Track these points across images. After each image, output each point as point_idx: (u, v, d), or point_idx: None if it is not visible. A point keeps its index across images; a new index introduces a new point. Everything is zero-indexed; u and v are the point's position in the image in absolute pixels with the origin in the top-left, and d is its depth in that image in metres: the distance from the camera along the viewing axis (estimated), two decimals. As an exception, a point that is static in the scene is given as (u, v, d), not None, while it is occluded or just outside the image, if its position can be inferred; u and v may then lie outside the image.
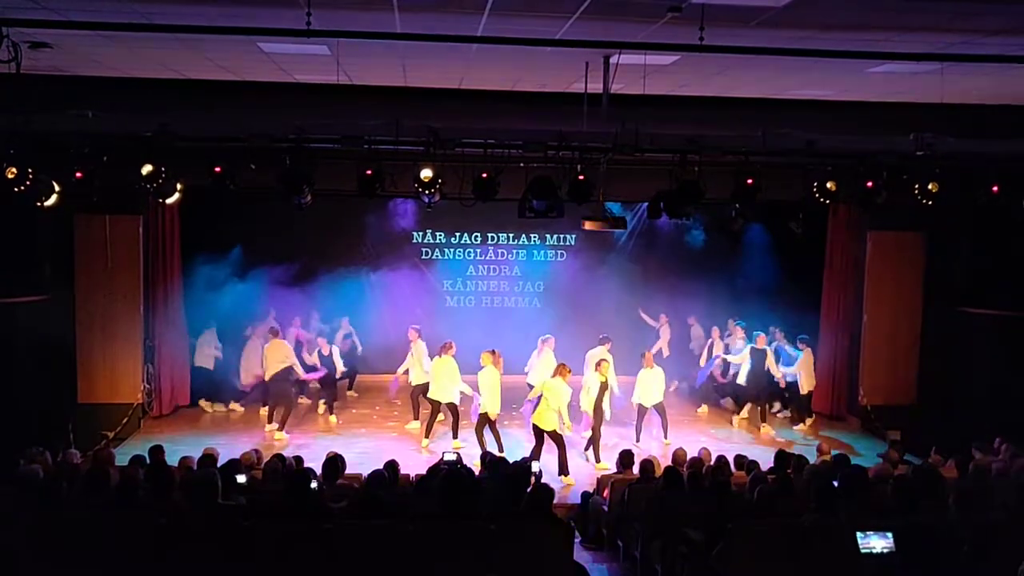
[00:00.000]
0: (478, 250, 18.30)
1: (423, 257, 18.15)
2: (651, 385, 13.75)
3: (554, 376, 12.40)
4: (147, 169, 8.91)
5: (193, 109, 9.41)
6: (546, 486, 7.74)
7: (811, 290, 16.04)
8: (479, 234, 18.16)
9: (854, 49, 8.09)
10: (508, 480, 8.26)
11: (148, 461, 9.79)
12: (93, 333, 14.33)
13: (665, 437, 13.73)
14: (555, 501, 11.14)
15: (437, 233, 18.08)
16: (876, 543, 6.66)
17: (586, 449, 13.16)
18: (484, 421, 12.92)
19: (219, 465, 9.48)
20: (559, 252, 18.30)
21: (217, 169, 9.05)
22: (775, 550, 7.06)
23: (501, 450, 12.67)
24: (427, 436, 13.62)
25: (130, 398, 14.49)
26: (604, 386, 12.96)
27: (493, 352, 13.21)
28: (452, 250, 18.25)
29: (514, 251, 18.32)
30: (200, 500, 7.05)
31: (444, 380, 13.35)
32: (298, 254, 16.50)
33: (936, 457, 11.01)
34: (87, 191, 9.03)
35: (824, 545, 7.04)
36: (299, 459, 10.69)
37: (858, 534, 6.65)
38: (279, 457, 9.95)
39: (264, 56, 8.87)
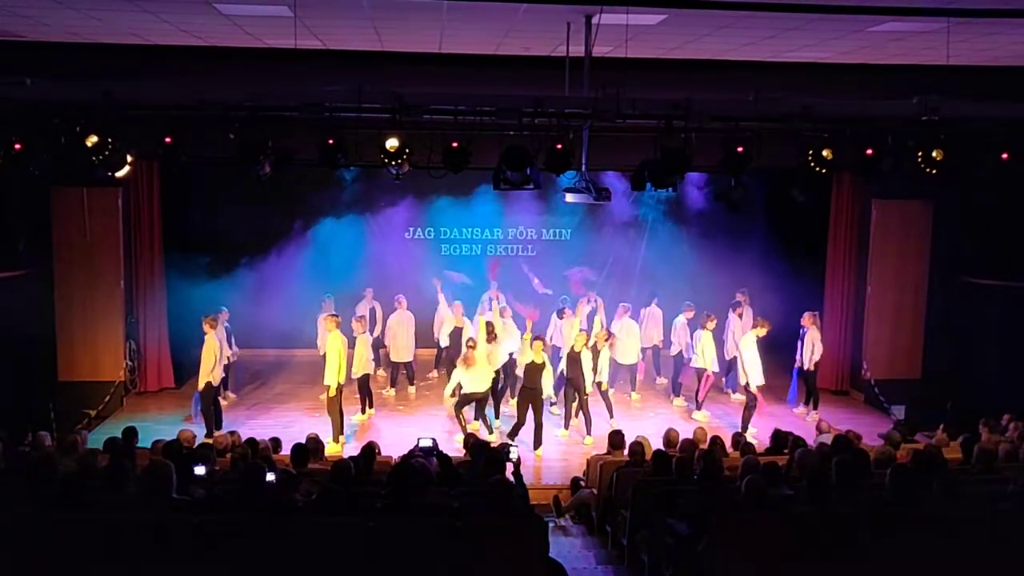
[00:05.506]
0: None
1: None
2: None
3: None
4: (92, 140, 8.37)
5: (145, 76, 8.86)
6: (508, 480, 7.21)
7: (815, 260, 15.50)
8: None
9: (854, 4, 7.54)
10: (484, 469, 7.83)
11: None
12: (73, 309, 13.98)
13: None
14: (548, 481, 11.05)
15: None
16: None
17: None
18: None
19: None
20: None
21: (167, 140, 8.50)
22: (764, 543, 6.62)
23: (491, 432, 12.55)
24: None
25: (112, 375, 14.15)
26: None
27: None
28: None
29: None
30: (151, 494, 6.62)
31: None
32: (284, 221, 15.97)
33: (941, 435, 10.60)
34: (29, 163, 8.50)
35: (817, 538, 6.60)
36: (276, 440, 10.27)
37: None
38: (250, 442, 9.55)
39: (224, 19, 8.34)
